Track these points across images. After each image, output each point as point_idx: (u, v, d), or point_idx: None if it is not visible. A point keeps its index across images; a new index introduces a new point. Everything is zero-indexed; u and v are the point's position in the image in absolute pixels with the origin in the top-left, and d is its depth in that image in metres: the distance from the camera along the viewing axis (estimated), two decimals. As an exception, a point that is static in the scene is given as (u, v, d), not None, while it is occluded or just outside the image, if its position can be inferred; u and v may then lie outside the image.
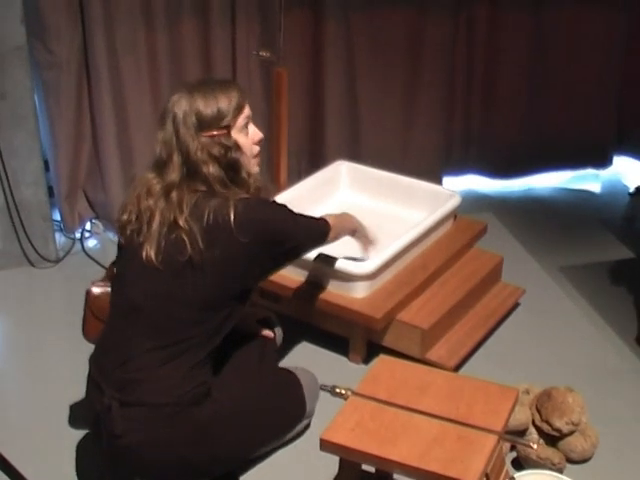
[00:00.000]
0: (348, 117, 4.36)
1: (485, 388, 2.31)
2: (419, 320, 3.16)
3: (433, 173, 4.42)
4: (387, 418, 2.18)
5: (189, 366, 2.46)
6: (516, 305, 3.61)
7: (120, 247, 2.63)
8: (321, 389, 2.38)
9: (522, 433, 2.79)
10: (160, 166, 2.50)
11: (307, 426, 2.88)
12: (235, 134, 2.51)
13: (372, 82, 4.33)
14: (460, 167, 4.71)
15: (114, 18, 3.80)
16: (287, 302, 3.27)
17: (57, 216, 4.13)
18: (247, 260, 2.48)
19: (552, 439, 2.78)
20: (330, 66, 4.20)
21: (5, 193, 3.76)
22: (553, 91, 4.63)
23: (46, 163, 3.97)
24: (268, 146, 3.75)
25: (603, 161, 4.86)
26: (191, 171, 2.46)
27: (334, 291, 3.16)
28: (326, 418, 2.22)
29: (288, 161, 3.78)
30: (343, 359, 3.29)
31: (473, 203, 4.38)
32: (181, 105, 2.46)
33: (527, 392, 2.89)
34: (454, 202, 3.62)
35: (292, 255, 2.73)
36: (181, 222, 2.41)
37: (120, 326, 2.52)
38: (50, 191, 3.99)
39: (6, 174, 3.73)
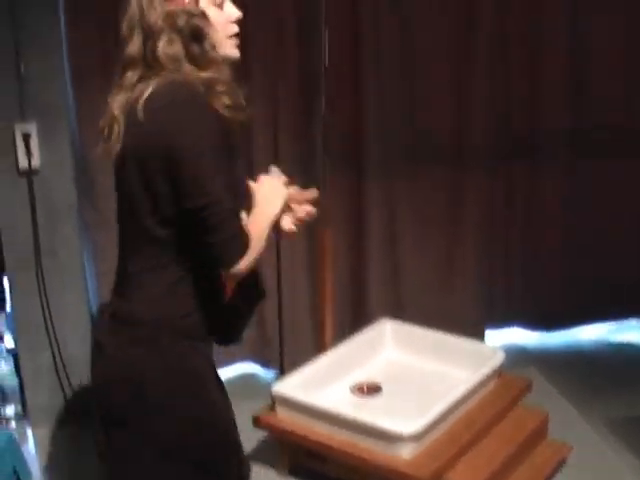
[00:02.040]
0: (390, 274, 4.41)
1: None
2: (465, 480, 3.13)
3: (476, 327, 4.45)
4: None
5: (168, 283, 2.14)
6: (563, 462, 3.55)
7: None
8: None
9: None
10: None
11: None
12: (204, 5, 2.15)
13: (413, 238, 4.41)
14: (502, 320, 4.72)
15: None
16: (334, 463, 3.25)
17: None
18: (138, 167, 2.07)
19: None
20: (372, 225, 4.29)
21: (53, 350, 3.81)
22: (593, 242, 4.66)
23: (92, 318, 4.04)
24: (314, 302, 3.79)
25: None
26: (150, 50, 2.09)
27: (380, 452, 3.13)
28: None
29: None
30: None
31: (516, 357, 4.36)
32: None
33: None
34: (497, 360, 3.62)
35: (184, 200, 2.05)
36: (116, 111, 2.11)
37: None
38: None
39: (54, 331, 3.79)
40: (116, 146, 2.09)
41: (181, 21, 2.07)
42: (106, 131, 2.12)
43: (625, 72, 4.50)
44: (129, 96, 2.09)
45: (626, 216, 4.67)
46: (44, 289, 3.75)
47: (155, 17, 2.07)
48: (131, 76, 2.10)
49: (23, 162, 3.61)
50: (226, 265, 2.03)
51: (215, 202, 1.98)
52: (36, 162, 3.62)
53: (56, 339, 3.80)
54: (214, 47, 2.13)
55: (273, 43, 4.02)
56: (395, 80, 4.21)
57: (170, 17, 2.07)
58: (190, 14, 2.09)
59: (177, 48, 2.08)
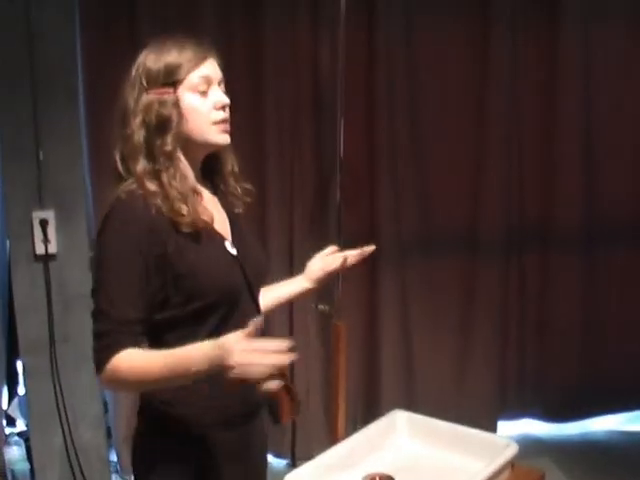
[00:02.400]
0: (403, 364, 4.43)
1: None
2: None
3: (489, 418, 4.44)
4: None
5: None
6: None
7: None
8: None
9: None
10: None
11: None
12: (184, 92, 2.09)
13: (426, 330, 4.43)
14: (515, 411, 4.70)
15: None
16: None
17: (113, 457, 4.14)
18: None
19: None
20: (385, 315, 4.34)
21: (64, 434, 3.80)
22: (606, 331, 4.67)
23: (105, 404, 4.03)
24: (327, 394, 3.79)
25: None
26: (121, 149, 2.09)
27: None
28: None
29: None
30: None
31: (530, 447, 4.30)
32: (135, 65, 2.13)
33: None
34: (510, 451, 3.56)
35: None
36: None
37: None
38: (108, 432, 4.03)
39: (66, 416, 3.79)
40: None
41: (152, 112, 2.06)
42: None
43: (637, 168, 4.55)
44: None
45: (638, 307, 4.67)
46: (57, 374, 3.76)
47: (132, 107, 2.07)
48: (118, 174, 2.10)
49: (40, 248, 3.65)
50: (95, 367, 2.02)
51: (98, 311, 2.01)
52: (53, 248, 3.67)
53: (68, 424, 3.79)
54: (178, 140, 2.08)
55: (289, 131, 4.09)
56: (409, 169, 4.27)
57: (145, 108, 2.06)
58: (162, 103, 2.06)
59: (136, 141, 2.06)
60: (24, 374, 3.82)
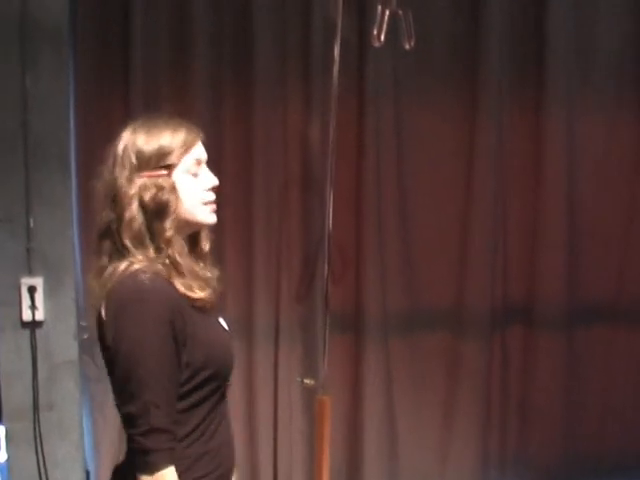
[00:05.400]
0: (386, 440, 4.40)
1: None
2: None
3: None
4: None
5: None
6: None
7: None
8: None
9: None
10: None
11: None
12: (178, 176, 2.13)
13: (410, 405, 4.43)
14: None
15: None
16: None
17: (93, 526, 4.11)
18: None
19: None
20: (369, 390, 4.32)
21: (46, 504, 3.78)
22: (588, 410, 4.66)
23: (87, 473, 4.01)
24: (310, 468, 3.78)
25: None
26: (116, 228, 2.11)
27: None
28: None
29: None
30: None
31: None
32: (121, 143, 2.15)
33: None
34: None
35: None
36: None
37: None
38: (89, 500, 4.01)
39: (48, 483, 3.77)
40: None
41: (148, 196, 2.08)
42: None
43: (621, 246, 4.60)
44: (101, 285, 2.10)
45: (622, 385, 4.68)
46: (40, 441, 3.74)
47: (125, 190, 2.09)
48: (105, 253, 2.13)
49: (27, 314, 3.66)
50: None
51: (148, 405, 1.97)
52: (40, 315, 3.67)
53: (49, 492, 3.77)
54: (176, 225, 2.11)
55: (278, 207, 4.14)
56: (396, 246, 4.32)
57: (141, 191, 2.09)
58: (159, 187, 2.09)
59: (137, 226, 2.08)
60: (7, 440, 3.79)
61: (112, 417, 4.02)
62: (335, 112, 3.69)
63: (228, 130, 4.05)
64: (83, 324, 3.77)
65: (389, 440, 4.41)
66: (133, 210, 2.08)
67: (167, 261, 2.10)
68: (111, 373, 2.09)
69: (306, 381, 3.72)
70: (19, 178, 3.64)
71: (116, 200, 2.10)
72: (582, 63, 4.46)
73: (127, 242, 2.09)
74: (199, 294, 2.11)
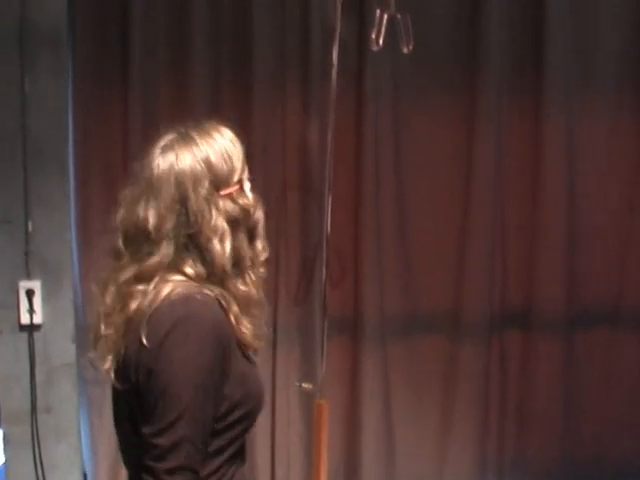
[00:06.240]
0: (384, 444, 4.39)
1: None
2: None
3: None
4: None
5: None
6: None
7: None
8: None
9: None
10: (132, 247, 1.95)
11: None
12: (247, 190, 2.00)
13: (408, 409, 4.42)
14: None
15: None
16: None
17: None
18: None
19: None
20: (367, 394, 4.31)
21: (43, 506, 3.78)
22: (587, 414, 4.64)
23: (84, 476, 4.01)
24: (308, 472, 3.79)
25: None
26: (186, 249, 1.91)
27: None
28: None
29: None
30: None
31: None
32: (185, 159, 1.92)
33: None
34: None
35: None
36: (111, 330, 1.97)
37: None
38: (87, 503, 4.01)
39: (45, 487, 3.77)
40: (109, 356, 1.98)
41: (237, 214, 1.95)
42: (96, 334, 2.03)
43: (620, 250, 4.59)
44: (142, 301, 1.91)
45: (621, 389, 4.67)
46: (38, 444, 3.74)
47: (210, 216, 1.90)
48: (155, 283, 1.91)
49: (25, 318, 3.67)
50: None
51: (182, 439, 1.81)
52: (38, 318, 3.68)
53: (47, 495, 3.78)
54: (265, 249, 2.03)
55: (276, 210, 4.13)
56: (394, 250, 4.31)
57: (225, 212, 1.93)
58: (246, 208, 1.97)
59: (229, 249, 1.92)
60: (4, 443, 3.80)
61: (110, 420, 4.00)
62: (333, 115, 3.69)
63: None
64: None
65: (387, 444, 4.40)
66: (225, 237, 1.93)
67: (235, 291, 1.98)
68: (133, 395, 1.93)
69: (304, 385, 3.71)
70: (17, 181, 3.65)
71: (193, 223, 1.90)
72: (581, 66, 4.44)
73: (219, 268, 1.92)
74: (252, 342, 2.01)
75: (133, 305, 1.91)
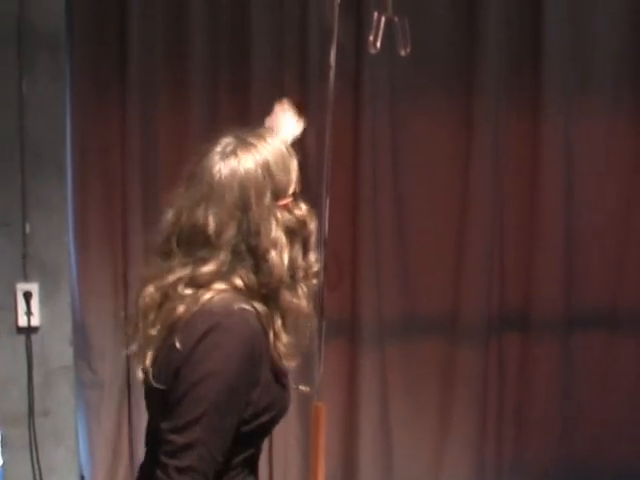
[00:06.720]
0: (382, 446, 4.39)
1: None
2: None
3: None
4: None
5: None
6: None
7: None
8: None
9: None
10: (184, 249, 1.93)
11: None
12: (300, 202, 2.00)
13: (405, 412, 4.41)
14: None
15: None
16: None
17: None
18: None
19: None
20: (365, 396, 4.31)
21: (41, 507, 3.78)
22: (586, 418, 4.64)
23: (82, 478, 4.01)
24: (305, 475, 3.79)
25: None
26: (242, 259, 1.90)
27: None
28: None
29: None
30: None
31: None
32: (248, 166, 1.92)
33: None
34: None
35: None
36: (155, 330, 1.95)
37: None
38: (84, 507, 4.01)
39: (43, 490, 3.77)
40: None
41: (293, 226, 1.94)
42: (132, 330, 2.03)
43: (618, 252, 4.59)
44: (187, 305, 1.89)
45: (619, 392, 4.67)
46: (36, 447, 3.74)
47: (269, 226, 1.89)
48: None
49: (23, 320, 3.66)
50: None
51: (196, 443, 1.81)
52: (36, 321, 3.67)
53: (44, 496, 3.77)
54: (317, 261, 2.02)
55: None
56: (391, 252, 4.31)
57: (284, 224, 1.92)
58: (302, 221, 1.97)
59: (286, 264, 1.91)
60: (2, 446, 3.79)
61: (107, 422, 4.03)
62: (331, 118, 3.68)
63: (226, 132, 4.04)
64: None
65: (384, 446, 4.40)
66: (284, 249, 1.92)
67: (286, 304, 1.95)
68: (160, 394, 1.93)
69: (301, 387, 3.70)
70: (15, 183, 3.65)
71: (252, 231, 1.89)
72: (579, 66, 4.44)
73: (276, 279, 1.91)
74: (284, 361, 2.02)
75: (180, 309, 1.90)
